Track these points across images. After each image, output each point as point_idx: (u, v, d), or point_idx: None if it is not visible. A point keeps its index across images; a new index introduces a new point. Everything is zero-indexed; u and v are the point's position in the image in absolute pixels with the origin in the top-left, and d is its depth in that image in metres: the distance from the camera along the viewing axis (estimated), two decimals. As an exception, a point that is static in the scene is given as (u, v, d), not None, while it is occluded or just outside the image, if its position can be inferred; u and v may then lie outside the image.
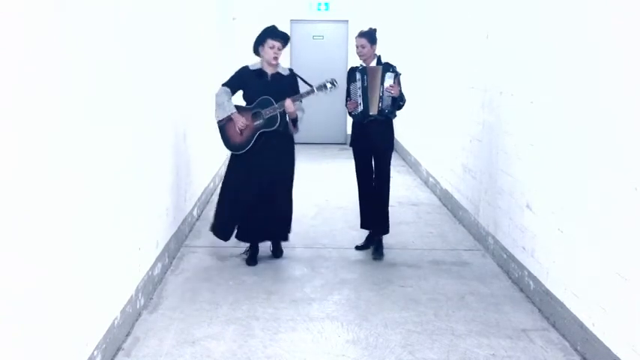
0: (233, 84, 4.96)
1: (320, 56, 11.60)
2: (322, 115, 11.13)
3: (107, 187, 3.42)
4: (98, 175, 3.27)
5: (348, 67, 5.41)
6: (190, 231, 5.94)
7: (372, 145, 5.24)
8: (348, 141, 11.34)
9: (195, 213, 6.26)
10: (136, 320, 3.96)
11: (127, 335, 3.75)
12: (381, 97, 5.06)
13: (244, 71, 4.95)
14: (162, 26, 4.80)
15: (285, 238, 5.21)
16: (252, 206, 4.91)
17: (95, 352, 3.19)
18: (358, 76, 5.14)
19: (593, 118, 3.52)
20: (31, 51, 2.48)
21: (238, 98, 5.02)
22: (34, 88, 2.52)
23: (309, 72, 11.59)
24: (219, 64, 7.88)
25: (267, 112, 4.74)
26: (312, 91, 4.77)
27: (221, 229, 5.09)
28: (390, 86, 5.01)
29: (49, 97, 2.66)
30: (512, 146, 4.86)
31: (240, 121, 4.80)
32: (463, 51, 6.49)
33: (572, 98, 3.79)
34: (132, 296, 3.87)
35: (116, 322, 3.54)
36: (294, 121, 4.88)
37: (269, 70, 4.89)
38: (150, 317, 4.04)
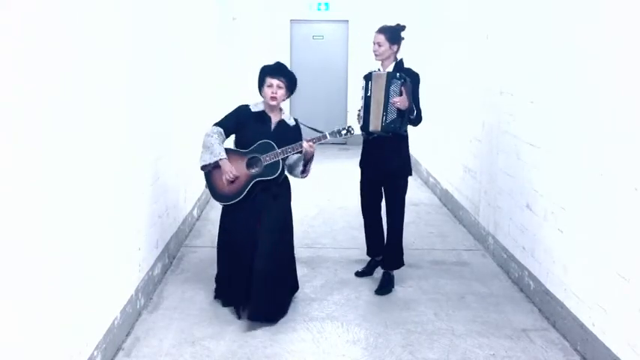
0: (228, 124, 4.17)
1: (320, 56, 11.60)
2: (322, 115, 11.12)
3: (107, 188, 3.42)
4: (98, 176, 3.27)
5: (369, 70, 4.61)
6: (190, 231, 5.94)
7: (382, 167, 4.47)
8: (348, 141, 11.33)
9: (195, 213, 6.26)
10: (136, 320, 3.96)
11: (127, 335, 3.75)
12: (384, 111, 4.27)
13: (243, 111, 4.20)
14: (163, 26, 4.79)
15: (296, 287, 4.41)
16: (250, 266, 4.01)
17: (95, 352, 3.19)
18: (363, 83, 4.44)
19: (593, 118, 3.52)
20: (30, 52, 2.48)
21: (229, 143, 4.28)
22: (35, 89, 2.52)
23: (309, 72, 11.73)
24: (219, 63, 7.87)
25: (267, 159, 4.02)
26: (325, 136, 4.12)
27: (223, 291, 4.30)
28: (397, 99, 4.23)
29: (50, 98, 2.66)
30: (512, 146, 4.86)
31: (228, 172, 4.01)
32: (463, 51, 6.49)
33: (572, 98, 3.79)
34: (132, 296, 3.87)
35: (116, 322, 3.54)
36: (307, 163, 4.16)
37: (273, 117, 4.17)
38: (150, 317, 4.03)
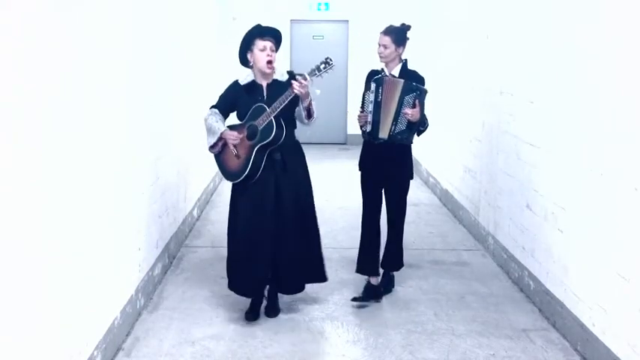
0: (222, 104, 4.09)
1: (320, 56, 11.51)
2: (322, 115, 11.12)
3: (107, 188, 3.42)
4: (98, 176, 3.28)
5: (369, 70, 4.46)
6: (190, 231, 5.94)
7: (385, 172, 4.32)
8: (348, 141, 11.31)
9: (195, 213, 6.26)
10: (136, 320, 3.96)
11: (127, 335, 3.75)
12: (394, 121, 4.13)
13: (234, 88, 4.07)
14: (163, 26, 4.79)
15: (324, 278, 4.18)
16: (269, 247, 3.93)
17: (95, 352, 3.19)
18: (373, 86, 4.18)
19: (593, 118, 3.52)
20: (30, 52, 2.48)
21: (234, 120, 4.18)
22: (35, 89, 2.52)
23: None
24: (219, 63, 7.87)
25: (261, 122, 3.81)
26: (305, 78, 3.80)
27: (242, 282, 4.05)
28: (409, 111, 4.09)
29: (50, 98, 2.66)
30: (512, 146, 4.86)
31: (231, 137, 3.91)
32: (463, 51, 6.49)
33: (572, 98, 3.79)
34: (132, 296, 3.87)
35: (116, 322, 3.54)
36: (309, 107, 3.92)
37: (263, 82, 3.97)
38: (150, 317, 4.04)
